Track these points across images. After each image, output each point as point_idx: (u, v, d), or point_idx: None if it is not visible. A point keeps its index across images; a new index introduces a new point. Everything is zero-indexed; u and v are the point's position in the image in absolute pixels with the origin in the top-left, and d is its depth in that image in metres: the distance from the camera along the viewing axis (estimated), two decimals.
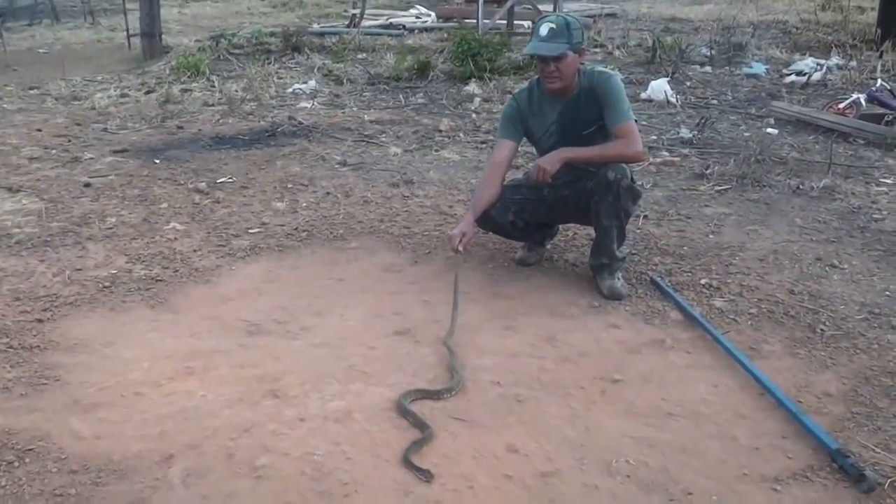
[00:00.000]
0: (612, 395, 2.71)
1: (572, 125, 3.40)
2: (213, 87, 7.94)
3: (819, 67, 8.21)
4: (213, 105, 7.25)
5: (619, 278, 3.47)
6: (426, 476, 2.25)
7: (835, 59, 8.67)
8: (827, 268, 3.71)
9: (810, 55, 8.99)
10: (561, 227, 4.02)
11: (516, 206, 3.54)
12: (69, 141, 6.03)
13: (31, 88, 8.11)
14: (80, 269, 3.70)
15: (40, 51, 10.92)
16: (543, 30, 3.29)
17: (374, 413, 2.58)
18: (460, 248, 3.31)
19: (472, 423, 2.53)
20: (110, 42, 11.53)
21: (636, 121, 3.39)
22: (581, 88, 3.37)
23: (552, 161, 3.29)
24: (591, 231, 3.80)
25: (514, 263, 3.79)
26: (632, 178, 3.39)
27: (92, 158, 5.52)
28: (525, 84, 3.63)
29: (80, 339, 3.08)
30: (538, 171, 3.29)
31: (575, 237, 4.08)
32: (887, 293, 3.43)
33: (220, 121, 6.68)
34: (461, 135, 6.15)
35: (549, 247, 3.91)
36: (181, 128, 6.46)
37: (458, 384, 2.72)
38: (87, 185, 4.92)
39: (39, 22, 13.55)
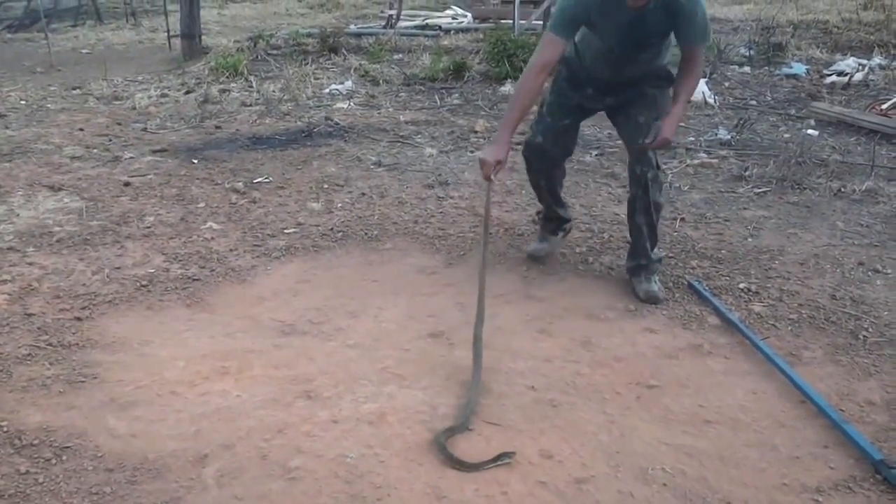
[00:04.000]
0: (649, 400, 2.68)
1: (635, 35, 3.18)
2: (251, 87, 8.00)
3: (861, 67, 8.05)
4: (250, 105, 7.31)
5: (655, 282, 3.43)
6: (508, 456, 2.31)
7: (877, 59, 8.49)
8: (870, 273, 3.63)
9: (852, 55, 8.81)
10: (596, 228, 3.99)
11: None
12: (110, 140, 6.11)
13: (73, 88, 8.23)
14: (118, 268, 3.74)
15: (83, 51, 11.08)
16: None
17: (408, 416, 2.57)
18: (493, 178, 3.15)
19: (505, 427, 2.52)
20: (151, 43, 11.67)
21: None
22: (658, 2, 3.10)
23: (673, 130, 3.18)
24: (627, 234, 3.75)
25: (526, 256, 3.79)
26: (657, 165, 3.35)
27: (132, 158, 5.58)
28: None
29: (117, 338, 3.12)
30: (661, 140, 3.16)
31: (610, 239, 4.04)
32: None
33: (258, 121, 6.73)
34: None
35: (560, 237, 3.87)
36: (219, 128, 6.52)
37: (470, 412, 2.57)
38: (127, 184, 4.98)
39: (83, 23, 13.76)
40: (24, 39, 12.23)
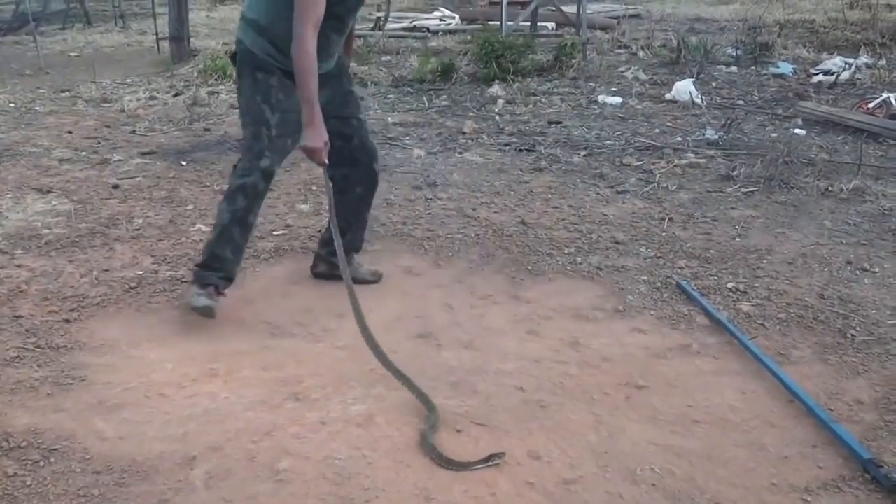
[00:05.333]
0: (637, 401, 2.68)
1: None
2: None
3: (847, 66, 8.09)
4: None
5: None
6: (498, 457, 2.31)
7: (864, 58, 8.55)
8: (857, 271, 3.65)
9: (838, 54, 8.86)
10: (584, 228, 3.99)
11: None
12: (98, 143, 6.08)
13: (62, 91, 8.20)
14: (107, 270, 3.73)
15: (72, 54, 11.03)
16: None
17: (396, 417, 2.57)
18: (327, 161, 3.00)
19: (493, 428, 2.52)
20: (140, 45, 11.63)
21: None
22: None
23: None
24: (616, 234, 3.77)
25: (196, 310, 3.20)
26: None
27: (120, 160, 5.56)
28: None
29: (106, 340, 3.10)
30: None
31: (599, 240, 4.04)
32: None
33: None
34: (485, 137, 6.13)
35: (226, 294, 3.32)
36: (208, 130, 6.50)
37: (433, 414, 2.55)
38: (116, 186, 4.96)
39: (72, 26, 13.68)
40: (12, 42, 12.17)
